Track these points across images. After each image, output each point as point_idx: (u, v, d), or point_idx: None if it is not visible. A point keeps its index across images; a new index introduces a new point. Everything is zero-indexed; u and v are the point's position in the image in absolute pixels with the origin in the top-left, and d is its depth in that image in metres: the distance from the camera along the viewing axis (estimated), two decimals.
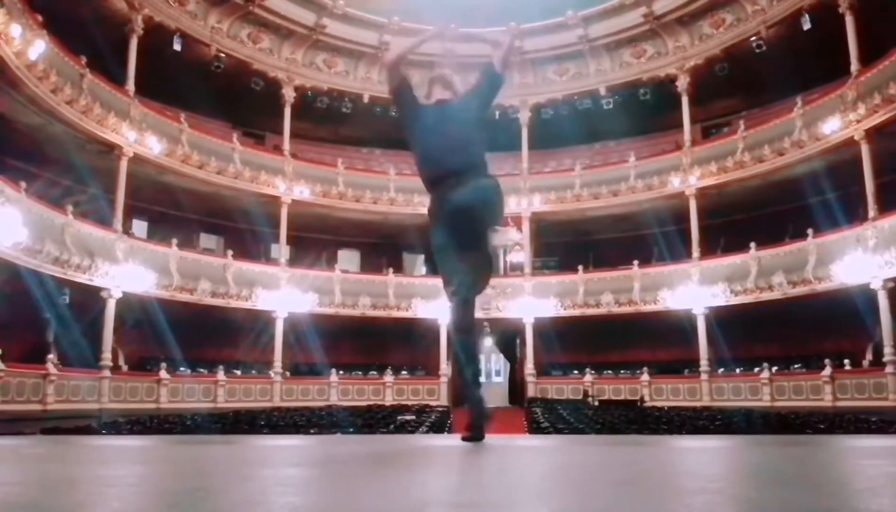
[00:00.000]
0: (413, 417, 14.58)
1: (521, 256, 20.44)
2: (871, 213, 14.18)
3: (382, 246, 20.81)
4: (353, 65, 20.36)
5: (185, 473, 1.71)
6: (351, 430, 12.33)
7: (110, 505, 1.03)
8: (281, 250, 18.70)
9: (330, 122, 21.34)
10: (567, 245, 20.37)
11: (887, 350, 13.65)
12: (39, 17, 12.82)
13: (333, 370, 18.26)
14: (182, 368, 16.16)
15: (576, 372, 18.61)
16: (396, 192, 19.61)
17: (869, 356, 15.35)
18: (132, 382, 15.26)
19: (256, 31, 18.99)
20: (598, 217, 19.53)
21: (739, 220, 17.92)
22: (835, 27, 15.08)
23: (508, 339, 20.62)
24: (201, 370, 16.82)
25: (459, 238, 3.03)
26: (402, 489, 1.24)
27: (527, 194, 19.59)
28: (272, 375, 17.58)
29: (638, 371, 17.93)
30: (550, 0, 18.47)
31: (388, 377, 18.63)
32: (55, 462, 2.05)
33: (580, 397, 17.62)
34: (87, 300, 14.36)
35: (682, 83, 18.68)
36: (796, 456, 2.32)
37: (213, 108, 18.57)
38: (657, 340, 18.34)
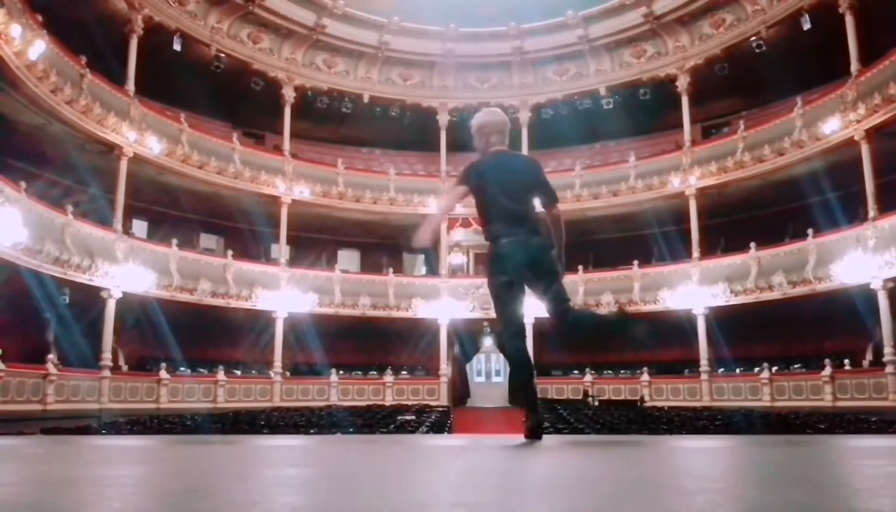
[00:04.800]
0: (413, 417, 14.57)
1: None
2: (871, 213, 14.18)
3: (382, 246, 20.81)
4: (354, 65, 20.36)
5: (185, 473, 1.71)
6: (351, 430, 12.33)
7: (110, 505, 1.03)
8: (281, 250, 18.70)
9: (330, 122, 21.35)
10: (567, 245, 20.35)
11: (887, 350, 13.65)
12: (39, 17, 12.82)
13: (333, 370, 18.26)
14: (182, 368, 16.16)
15: (576, 372, 18.61)
16: (396, 192, 19.61)
17: (869, 356, 15.36)
18: (132, 382, 15.26)
19: (256, 31, 19.00)
20: (598, 217, 19.52)
21: (739, 220, 17.91)
22: (835, 27, 15.09)
23: None
24: (201, 370, 16.83)
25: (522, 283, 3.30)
26: (401, 489, 1.24)
27: None
28: (272, 375, 17.58)
29: (638, 371, 17.94)
30: (550, 0, 18.47)
31: (388, 377, 18.63)
32: (55, 462, 2.05)
33: (580, 397, 17.62)
34: (87, 300, 14.36)
35: (682, 83, 18.69)
36: (796, 456, 2.32)
37: (213, 108, 18.58)
38: (657, 340, 18.33)
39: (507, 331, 3.23)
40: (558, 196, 3.77)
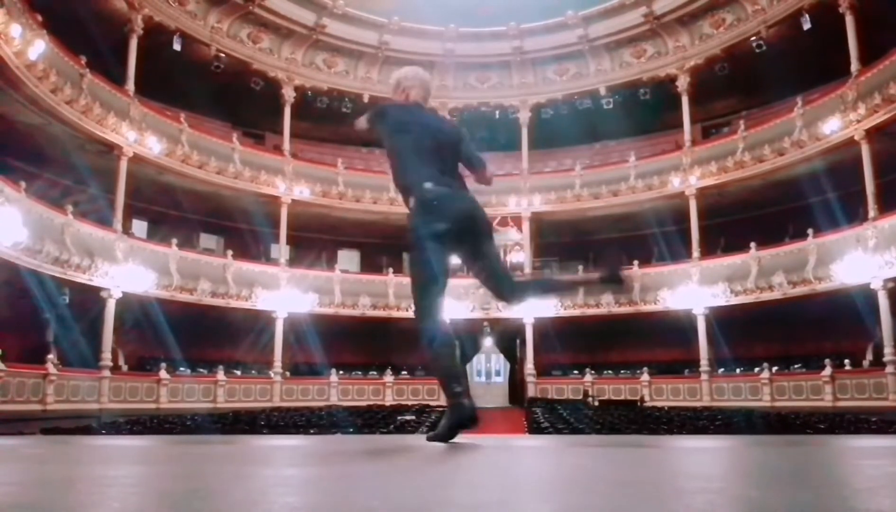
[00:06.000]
0: (413, 418, 14.57)
1: (521, 255, 20.44)
2: (872, 213, 14.19)
3: (382, 246, 20.81)
4: (353, 65, 20.37)
5: (185, 474, 1.71)
6: (351, 430, 12.33)
7: (110, 505, 1.03)
8: (281, 250, 18.70)
9: (330, 122, 21.34)
10: (567, 245, 20.37)
11: (887, 350, 13.66)
12: (39, 17, 12.83)
13: (333, 370, 18.27)
14: (182, 368, 16.17)
15: (576, 372, 18.62)
16: (396, 191, 19.53)
17: (869, 356, 15.36)
18: (132, 382, 15.27)
19: (256, 30, 19.00)
20: (598, 217, 19.53)
21: (739, 220, 17.92)
22: (835, 27, 15.09)
23: (508, 339, 20.63)
24: (201, 370, 16.83)
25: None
26: (401, 489, 1.24)
27: (527, 194, 19.60)
28: (272, 375, 17.58)
29: (638, 371, 17.94)
30: (550, 0, 18.47)
31: (388, 377, 18.64)
32: (55, 462, 2.05)
33: (580, 397, 17.63)
34: (87, 300, 14.36)
35: (682, 83, 18.69)
36: (796, 456, 2.32)
37: (212, 108, 18.58)
38: (657, 340, 18.34)
39: (431, 294, 2.70)
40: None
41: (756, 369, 16.18)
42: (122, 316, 15.32)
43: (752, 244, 16.47)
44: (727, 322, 16.51)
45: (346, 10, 18.94)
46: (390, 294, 18.93)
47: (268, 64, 19.24)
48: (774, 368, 16.18)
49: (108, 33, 15.34)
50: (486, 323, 19.34)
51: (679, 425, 12.45)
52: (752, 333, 16.93)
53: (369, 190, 19.66)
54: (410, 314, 3.27)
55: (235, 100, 19.39)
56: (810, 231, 15.32)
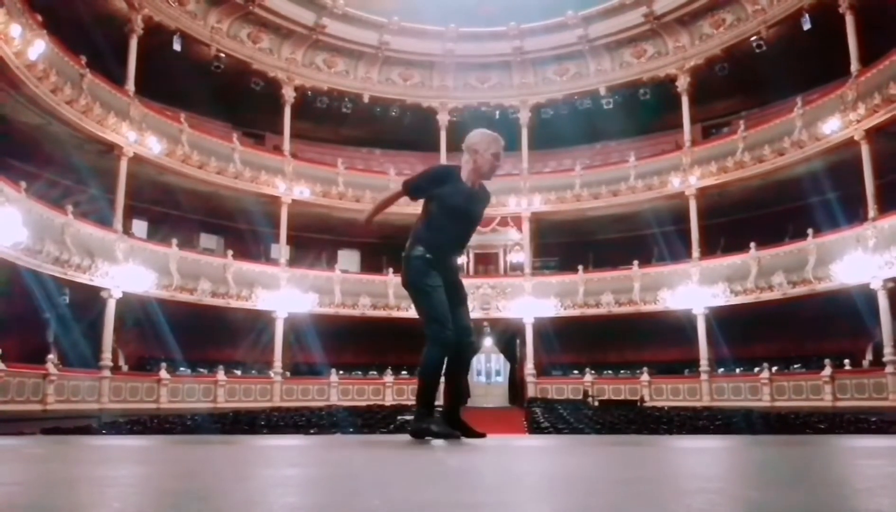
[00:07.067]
0: (413, 417, 14.56)
1: (521, 256, 20.44)
2: (871, 213, 14.19)
3: (382, 246, 20.80)
4: (353, 65, 20.37)
5: (185, 474, 1.71)
6: (351, 430, 12.33)
7: (110, 505, 1.03)
8: (281, 250, 18.71)
9: (330, 122, 21.35)
10: (567, 245, 20.37)
11: (887, 350, 13.66)
12: (39, 17, 12.82)
13: (333, 370, 18.27)
14: (182, 368, 16.17)
15: (576, 372, 18.62)
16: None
17: (869, 356, 15.38)
18: (132, 382, 15.27)
19: (256, 30, 19.00)
20: (598, 217, 19.53)
21: (739, 220, 17.92)
22: (835, 27, 15.09)
23: (508, 339, 20.63)
24: (201, 370, 16.84)
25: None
26: (401, 489, 1.24)
27: (527, 194, 19.60)
28: (272, 375, 17.58)
29: (638, 371, 17.94)
30: (550, 0, 18.47)
31: (388, 377, 18.63)
32: (55, 462, 2.05)
33: (580, 397, 17.63)
34: (87, 300, 14.36)
35: (683, 83, 18.69)
36: (796, 456, 2.32)
37: (213, 108, 18.58)
38: (657, 340, 18.34)
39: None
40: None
41: (756, 369, 16.18)
42: (123, 316, 15.33)
43: (752, 244, 16.47)
44: (727, 322, 16.51)
45: (346, 10, 18.94)
46: (390, 294, 18.92)
47: (268, 64, 19.24)
48: (774, 368, 16.18)
49: (108, 33, 15.33)
50: (486, 323, 19.33)
51: (679, 425, 12.45)
52: (751, 333, 16.93)
53: (369, 190, 19.64)
54: (410, 314, 3.56)
55: (235, 100, 19.38)
56: (810, 231, 15.32)
